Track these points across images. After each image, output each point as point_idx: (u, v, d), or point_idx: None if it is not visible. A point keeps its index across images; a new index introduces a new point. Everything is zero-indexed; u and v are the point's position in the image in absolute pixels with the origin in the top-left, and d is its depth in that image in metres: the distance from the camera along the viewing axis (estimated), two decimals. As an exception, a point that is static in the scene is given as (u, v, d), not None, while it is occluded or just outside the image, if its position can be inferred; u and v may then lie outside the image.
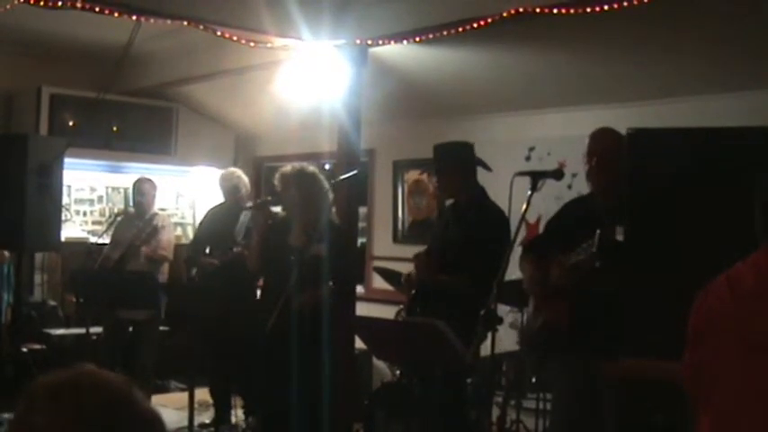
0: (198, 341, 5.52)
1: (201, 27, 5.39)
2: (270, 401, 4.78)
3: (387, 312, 5.16)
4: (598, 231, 3.27)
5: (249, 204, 5.87)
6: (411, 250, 4.80)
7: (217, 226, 6.10)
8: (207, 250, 6.10)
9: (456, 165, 4.44)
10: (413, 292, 4.49)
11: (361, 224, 6.98)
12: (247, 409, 5.09)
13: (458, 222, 4.38)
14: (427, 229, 4.81)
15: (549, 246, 3.76)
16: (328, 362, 4.57)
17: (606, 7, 4.24)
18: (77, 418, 1.18)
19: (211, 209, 6.55)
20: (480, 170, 4.52)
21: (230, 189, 6.20)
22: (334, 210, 5.21)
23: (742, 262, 1.91)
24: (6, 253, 6.50)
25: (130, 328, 6.18)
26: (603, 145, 3.72)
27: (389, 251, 6.96)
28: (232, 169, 6.52)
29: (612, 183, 3.70)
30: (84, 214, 7.98)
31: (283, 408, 4.56)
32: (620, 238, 3.44)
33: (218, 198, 8.28)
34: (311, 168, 4.97)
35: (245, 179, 6.25)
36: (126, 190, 7.77)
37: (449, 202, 4.70)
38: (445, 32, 5.00)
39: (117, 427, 1.20)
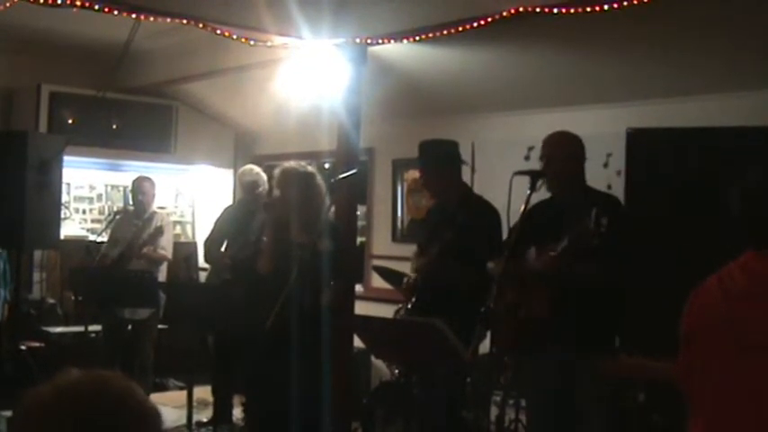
0: (198, 339, 5.53)
1: (201, 25, 5.39)
2: (268, 400, 4.77)
3: (386, 311, 5.16)
4: (594, 209, 3.27)
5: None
6: (410, 249, 4.80)
7: (233, 223, 6.08)
8: (223, 248, 6.10)
9: (442, 162, 4.42)
10: (413, 299, 4.48)
11: (361, 223, 6.98)
12: (247, 408, 5.08)
13: (449, 225, 4.34)
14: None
15: (518, 245, 3.73)
16: (328, 360, 4.55)
17: (606, 6, 4.24)
18: (81, 423, 1.18)
19: (227, 207, 6.55)
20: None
21: (248, 185, 6.12)
22: (333, 209, 5.19)
23: (733, 262, 1.92)
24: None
25: (129, 327, 6.18)
26: (551, 149, 3.77)
27: (389, 250, 6.96)
28: (251, 166, 6.39)
29: (565, 183, 3.72)
30: (84, 212, 7.98)
31: (282, 406, 4.55)
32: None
33: (218, 196, 8.37)
34: (309, 168, 4.96)
35: (264, 176, 6.13)
36: (125, 188, 7.77)
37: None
38: (445, 32, 5.00)
39: (121, 427, 1.20)
